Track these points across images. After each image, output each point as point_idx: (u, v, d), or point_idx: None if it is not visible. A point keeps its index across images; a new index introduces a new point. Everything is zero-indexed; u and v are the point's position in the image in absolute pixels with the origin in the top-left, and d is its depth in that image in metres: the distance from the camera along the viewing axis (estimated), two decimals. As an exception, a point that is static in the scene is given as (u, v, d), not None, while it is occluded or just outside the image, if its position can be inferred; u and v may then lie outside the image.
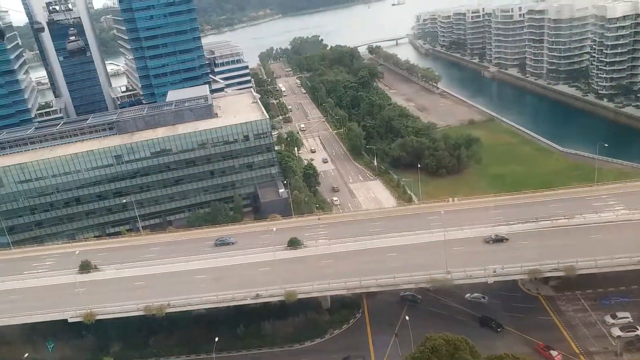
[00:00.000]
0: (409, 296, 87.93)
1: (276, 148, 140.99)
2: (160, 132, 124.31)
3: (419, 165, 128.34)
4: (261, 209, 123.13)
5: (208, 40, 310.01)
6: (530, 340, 76.40)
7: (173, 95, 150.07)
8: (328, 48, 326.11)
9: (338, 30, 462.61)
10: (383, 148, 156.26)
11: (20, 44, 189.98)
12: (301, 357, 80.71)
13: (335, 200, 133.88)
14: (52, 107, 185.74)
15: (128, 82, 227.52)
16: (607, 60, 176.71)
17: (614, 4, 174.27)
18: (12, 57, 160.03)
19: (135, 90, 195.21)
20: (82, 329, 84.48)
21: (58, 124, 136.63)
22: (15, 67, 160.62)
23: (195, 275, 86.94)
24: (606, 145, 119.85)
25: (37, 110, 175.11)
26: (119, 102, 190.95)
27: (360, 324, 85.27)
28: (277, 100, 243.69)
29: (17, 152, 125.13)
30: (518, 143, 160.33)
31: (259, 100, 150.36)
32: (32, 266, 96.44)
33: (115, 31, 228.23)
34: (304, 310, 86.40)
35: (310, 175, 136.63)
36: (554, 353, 72.16)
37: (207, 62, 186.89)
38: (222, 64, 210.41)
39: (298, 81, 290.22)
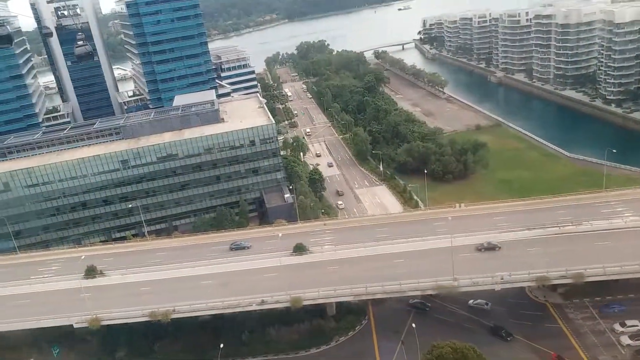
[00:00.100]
0: (418, 303, 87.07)
1: (282, 153, 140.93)
2: (167, 137, 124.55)
3: (425, 171, 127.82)
4: (267, 214, 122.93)
5: (215, 45, 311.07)
6: (538, 348, 75.59)
7: (180, 100, 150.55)
8: (334, 53, 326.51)
9: (344, 35, 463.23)
10: (389, 153, 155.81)
11: (28, 48, 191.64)
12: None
13: (340, 204, 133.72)
14: (59, 111, 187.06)
15: (135, 87, 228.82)
16: (615, 65, 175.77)
17: (622, 9, 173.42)
18: (21, 61, 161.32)
19: (142, 95, 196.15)
20: (87, 334, 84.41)
21: (65, 129, 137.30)
22: (24, 71, 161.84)
23: (201, 280, 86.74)
24: (614, 150, 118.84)
25: (44, 114, 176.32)
26: (125, 107, 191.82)
27: (366, 331, 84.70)
28: (283, 105, 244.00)
29: (25, 156, 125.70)
30: (525, 148, 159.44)
31: (265, 105, 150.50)
32: (38, 271, 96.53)
33: (122, 36, 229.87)
34: (310, 316, 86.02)
35: (315, 180, 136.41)
36: None
37: (213, 67, 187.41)
38: (229, 69, 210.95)
39: (304, 86, 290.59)
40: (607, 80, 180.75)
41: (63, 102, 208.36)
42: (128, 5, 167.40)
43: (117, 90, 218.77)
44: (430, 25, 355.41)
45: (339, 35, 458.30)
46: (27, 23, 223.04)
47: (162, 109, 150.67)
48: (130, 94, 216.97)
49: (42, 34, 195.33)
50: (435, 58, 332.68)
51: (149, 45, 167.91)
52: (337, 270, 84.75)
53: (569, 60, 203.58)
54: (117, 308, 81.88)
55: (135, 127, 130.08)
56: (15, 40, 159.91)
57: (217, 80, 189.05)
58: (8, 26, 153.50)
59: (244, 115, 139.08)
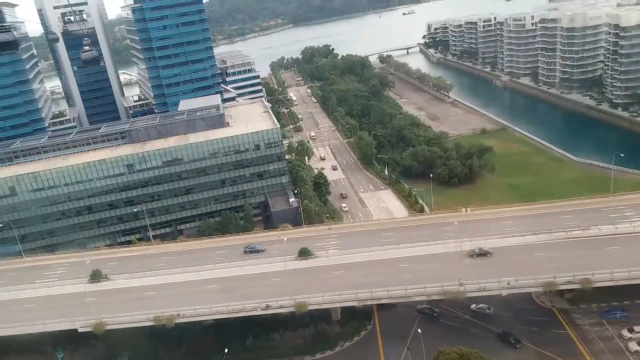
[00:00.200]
0: (426, 309, 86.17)
1: (287, 157, 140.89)
2: (172, 141, 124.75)
3: (430, 175, 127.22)
4: (271, 218, 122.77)
5: (220, 50, 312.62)
6: (545, 354, 74.80)
7: (185, 104, 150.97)
8: (339, 57, 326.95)
9: (349, 39, 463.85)
10: (394, 157, 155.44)
11: (35, 54, 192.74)
12: (311, 369, 79.90)
13: (344, 207, 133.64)
14: (65, 116, 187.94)
15: (140, 92, 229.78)
16: (622, 69, 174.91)
17: (628, 13, 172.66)
18: (27, 67, 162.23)
19: (148, 99, 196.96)
20: (91, 338, 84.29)
21: (71, 133, 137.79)
22: (30, 76, 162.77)
23: (206, 285, 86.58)
24: (622, 155, 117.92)
25: (50, 119, 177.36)
26: (131, 112, 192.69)
27: (372, 336, 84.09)
28: (288, 110, 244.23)
29: (31, 160, 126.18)
30: (531, 152, 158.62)
31: (270, 110, 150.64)
32: (43, 275, 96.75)
33: (128, 41, 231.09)
34: (314, 321, 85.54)
35: (320, 184, 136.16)
36: None
37: (219, 72, 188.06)
38: (234, 74, 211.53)
39: (309, 90, 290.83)
40: (614, 84, 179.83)
41: (69, 106, 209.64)
42: (134, 11, 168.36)
43: (123, 94, 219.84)
44: (435, 29, 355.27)
45: (343, 39, 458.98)
46: (34, 29, 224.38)
47: (168, 114, 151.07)
48: (136, 98, 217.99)
49: (49, 39, 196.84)
50: (440, 62, 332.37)
51: (154, 50, 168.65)
52: (342, 275, 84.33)
53: (575, 64, 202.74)
54: (121, 312, 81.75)
55: (141, 132, 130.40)
56: (22, 46, 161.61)
57: (222, 85, 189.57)
58: (15, 32, 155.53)
59: (249, 119, 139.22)
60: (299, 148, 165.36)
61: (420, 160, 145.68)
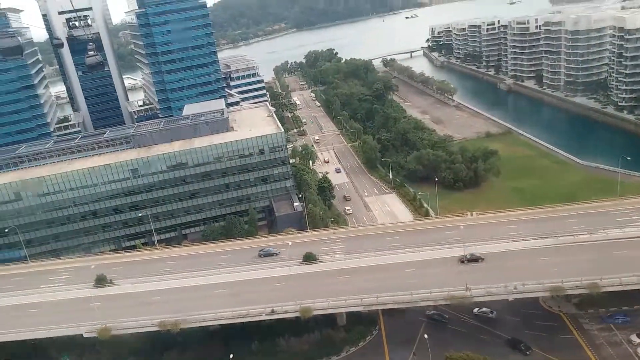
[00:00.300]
0: (435, 315, 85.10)
1: (291, 161, 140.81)
2: (177, 146, 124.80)
3: (436, 179, 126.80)
4: (276, 222, 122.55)
5: (224, 55, 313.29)
6: (552, 360, 74.20)
7: (189, 109, 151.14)
8: (342, 61, 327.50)
9: (352, 43, 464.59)
10: (398, 161, 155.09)
11: (40, 59, 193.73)
12: (317, 374, 79.41)
13: (347, 210, 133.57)
14: (70, 121, 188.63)
15: (145, 96, 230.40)
16: (627, 71, 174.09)
17: (633, 15, 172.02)
18: (32, 72, 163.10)
19: (152, 104, 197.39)
20: (97, 343, 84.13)
21: (76, 138, 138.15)
22: (35, 81, 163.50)
23: (211, 290, 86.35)
24: (629, 158, 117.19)
25: (55, 124, 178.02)
26: (136, 116, 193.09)
27: (377, 342, 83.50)
28: (292, 114, 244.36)
29: (36, 165, 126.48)
30: (536, 156, 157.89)
31: (274, 114, 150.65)
32: (48, 280, 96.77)
33: (132, 46, 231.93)
34: (320, 326, 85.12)
35: (325, 188, 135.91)
36: None
37: (223, 76, 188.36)
38: (238, 78, 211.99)
39: (312, 94, 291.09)
40: (619, 87, 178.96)
41: (74, 111, 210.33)
42: (138, 16, 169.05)
43: (127, 99, 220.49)
44: (439, 33, 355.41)
45: (347, 43, 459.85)
46: (39, 34, 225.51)
47: (172, 118, 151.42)
48: (140, 103, 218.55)
49: (54, 44, 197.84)
50: (443, 65, 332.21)
51: (158, 55, 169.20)
52: (348, 279, 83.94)
53: (580, 66, 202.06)
54: (126, 317, 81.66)
55: (145, 136, 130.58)
56: (27, 51, 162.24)
57: (226, 90, 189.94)
58: (19, 37, 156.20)
59: (253, 123, 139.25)
60: (303, 152, 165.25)
61: (425, 164, 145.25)
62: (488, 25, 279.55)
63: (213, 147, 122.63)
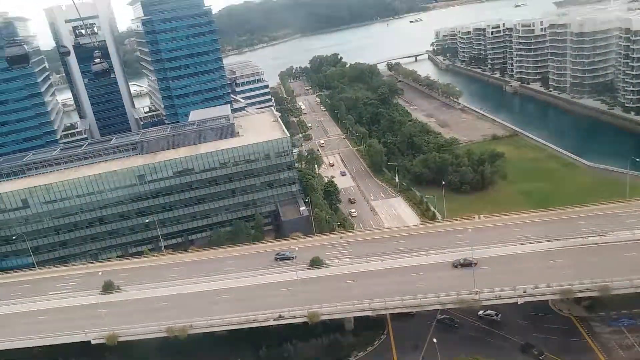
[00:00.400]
0: (447, 320, 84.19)
1: (296, 166, 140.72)
2: (183, 152, 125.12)
3: (443, 182, 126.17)
4: (282, 227, 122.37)
5: (229, 61, 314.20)
6: (563, 364, 73.25)
7: (195, 115, 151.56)
8: (347, 66, 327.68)
9: (357, 48, 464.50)
10: (404, 164, 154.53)
11: (47, 67, 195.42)
12: (325, 380, 78.84)
13: (352, 212, 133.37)
14: (77, 128, 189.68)
15: (151, 103, 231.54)
16: (634, 73, 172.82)
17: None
18: (39, 80, 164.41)
19: (158, 110, 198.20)
20: (104, 349, 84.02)
21: (83, 145, 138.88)
22: (42, 89, 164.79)
23: (218, 295, 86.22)
24: (637, 159, 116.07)
25: (62, 131, 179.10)
26: (142, 123, 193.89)
27: (386, 347, 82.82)
28: (297, 118, 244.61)
29: (43, 173, 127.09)
30: (543, 158, 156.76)
31: (279, 119, 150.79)
32: (56, 287, 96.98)
33: (138, 53, 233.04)
34: (327, 331, 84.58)
35: (331, 192, 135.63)
36: None
37: (228, 82, 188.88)
38: (243, 84, 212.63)
39: (318, 99, 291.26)
40: (626, 88, 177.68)
41: (80, 118, 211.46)
42: (144, 23, 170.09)
43: (134, 106, 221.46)
44: (444, 36, 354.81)
45: (351, 48, 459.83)
46: (46, 42, 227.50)
47: (178, 124, 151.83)
48: (146, 109, 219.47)
49: (60, 52, 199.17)
50: (448, 69, 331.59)
51: (164, 62, 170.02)
52: (355, 284, 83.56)
53: (586, 68, 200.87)
54: (134, 324, 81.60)
55: (152, 143, 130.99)
56: (34, 60, 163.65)
57: (231, 95, 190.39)
58: (26, 45, 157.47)
59: (259, 129, 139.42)
60: (309, 156, 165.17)
61: (431, 167, 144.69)
62: (493, 28, 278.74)
63: (219, 152, 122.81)
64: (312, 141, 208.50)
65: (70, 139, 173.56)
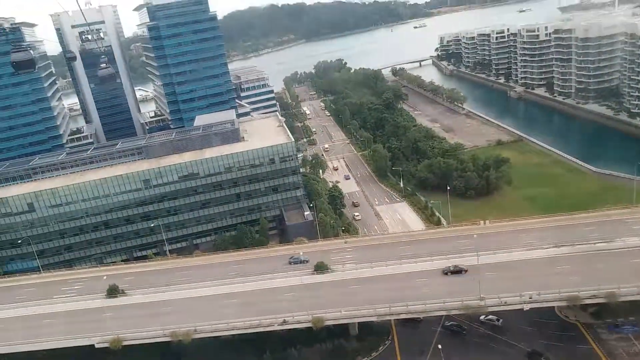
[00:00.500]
0: (454, 326, 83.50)
1: (301, 170, 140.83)
2: (188, 157, 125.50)
3: (448, 187, 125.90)
4: (287, 231, 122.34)
5: (234, 66, 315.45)
6: (570, 371, 72.64)
7: (200, 120, 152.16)
8: (352, 71, 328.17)
9: (361, 53, 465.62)
10: (409, 169, 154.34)
11: (53, 72, 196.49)
12: (329, 385, 78.57)
13: (356, 216, 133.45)
14: (82, 132, 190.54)
15: (156, 108, 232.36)
16: (639, 78, 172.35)
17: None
18: (46, 85, 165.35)
19: (164, 115, 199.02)
20: (108, 353, 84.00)
21: (88, 149, 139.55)
22: (49, 94, 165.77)
23: (222, 300, 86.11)
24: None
25: (68, 135, 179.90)
26: (147, 127, 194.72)
27: (390, 352, 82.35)
28: (302, 123, 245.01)
29: (49, 177, 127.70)
30: (549, 164, 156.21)
31: (284, 124, 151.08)
32: (61, 290, 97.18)
33: (144, 58, 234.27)
34: (331, 336, 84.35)
35: (335, 197, 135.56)
36: None
37: (233, 87, 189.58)
38: (248, 89, 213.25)
39: (322, 104, 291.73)
40: (631, 93, 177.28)
41: (86, 123, 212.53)
42: (150, 29, 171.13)
43: (139, 111, 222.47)
44: (448, 41, 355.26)
45: (356, 53, 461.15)
46: (52, 48, 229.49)
47: (183, 129, 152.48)
48: (152, 114, 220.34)
49: (67, 57, 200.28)
50: (453, 74, 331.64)
51: (170, 67, 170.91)
52: (360, 289, 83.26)
53: (591, 73, 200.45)
54: (138, 328, 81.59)
55: (157, 147, 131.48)
56: (41, 65, 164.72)
57: (236, 100, 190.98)
58: (32, 51, 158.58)
59: (264, 134, 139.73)
60: (314, 161, 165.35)
61: (436, 172, 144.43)
62: (497, 33, 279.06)
63: (224, 157, 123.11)
64: (317, 146, 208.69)
65: (76, 144, 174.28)
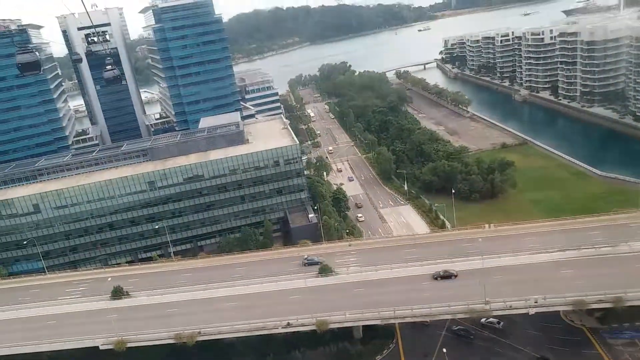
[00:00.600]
0: (461, 331, 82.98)
1: (305, 173, 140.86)
2: (193, 158, 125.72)
3: (453, 191, 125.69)
4: (291, 234, 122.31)
5: (239, 69, 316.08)
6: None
7: (205, 122, 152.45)
8: (356, 74, 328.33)
9: (366, 56, 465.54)
10: (413, 172, 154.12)
11: (59, 74, 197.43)
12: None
13: (359, 217, 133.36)
14: (88, 134, 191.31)
15: (162, 110, 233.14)
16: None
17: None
18: (52, 86, 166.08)
19: (169, 117, 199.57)
20: (113, 355, 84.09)
21: (94, 151, 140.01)
22: (55, 96, 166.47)
23: (226, 302, 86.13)
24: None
25: (74, 137, 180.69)
26: (152, 129, 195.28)
27: (394, 356, 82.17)
28: (306, 126, 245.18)
29: (55, 178, 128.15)
30: (554, 167, 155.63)
31: (288, 126, 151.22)
32: (65, 292, 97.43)
33: (149, 60, 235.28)
34: (335, 339, 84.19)
35: (340, 200, 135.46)
36: None
37: (238, 90, 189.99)
38: (253, 91, 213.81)
39: (327, 107, 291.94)
40: (637, 97, 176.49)
41: (92, 124, 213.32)
42: (155, 31, 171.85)
43: (144, 113, 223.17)
44: (452, 45, 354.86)
45: (360, 56, 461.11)
46: (58, 49, 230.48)
47: (188, 131, 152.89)
48: (157, 116, 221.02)
49: (73, 59, 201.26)
50: (457, 77, 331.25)
51: (175, 69, 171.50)
52: (364, 292, 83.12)
53: (596, 77, 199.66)
54: (142, 329, 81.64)
55: (162, 149, 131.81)
56: (47, 66, 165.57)
57: (241, 103, 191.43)
58: (38, 52, 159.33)
59: (268, 136, 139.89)
60: (318, 164, 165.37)
61: (441, 175, 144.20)
62: (502, 36, 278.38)
63: (228, 159, 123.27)
64: (321, 148, 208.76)
65: (82, 145, 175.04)
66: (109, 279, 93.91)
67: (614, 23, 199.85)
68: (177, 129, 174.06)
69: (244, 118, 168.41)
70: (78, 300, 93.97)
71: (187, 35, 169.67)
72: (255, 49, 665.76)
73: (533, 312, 75.30)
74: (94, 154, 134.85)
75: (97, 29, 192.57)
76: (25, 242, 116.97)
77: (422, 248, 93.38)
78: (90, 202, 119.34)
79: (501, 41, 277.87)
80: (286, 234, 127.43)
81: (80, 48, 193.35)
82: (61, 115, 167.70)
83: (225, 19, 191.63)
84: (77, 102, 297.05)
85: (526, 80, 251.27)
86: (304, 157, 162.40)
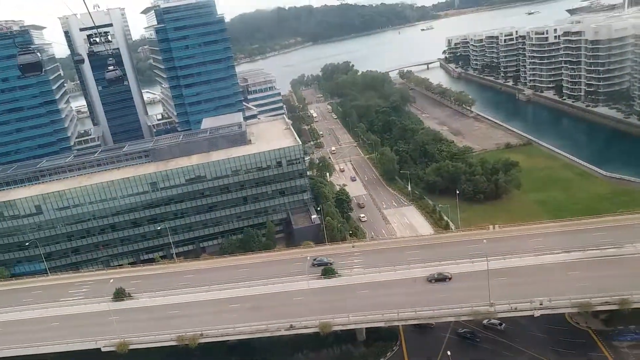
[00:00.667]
0: (467, 334, 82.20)
1: (308, 173, 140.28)
2: (195, 159, 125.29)
3: (457, 191, 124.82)
4: (293, 235, 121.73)
5: (241, 69, 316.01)
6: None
7: (207, 122, 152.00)
8: (359, 74, 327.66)
9: (368, 56, 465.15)
10: (417, 173, 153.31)
11: (61, 74, 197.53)
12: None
13: (362, 217, 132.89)
14: (90, 135, 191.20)
15: (164, 110, 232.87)
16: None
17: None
18: (54, 87, 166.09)
19: (171, 118, 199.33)
20: (115, 357, 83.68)
21: (96, 152, 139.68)
22: (57, 97, 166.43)
23: (229, 304, 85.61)
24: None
25: (76, 138, 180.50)
26: (154, 130, 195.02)
27: (398, 358, 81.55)
28: (309, 126, 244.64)
29: (57, 179, 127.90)
30: (558, 167, 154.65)
31: (291, 127, 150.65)
32: (67, 293, 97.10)
33: (151, 61, 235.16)
34: (338, 342, 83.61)
35: (342, 200, 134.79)
36: None
37: (240, 90, 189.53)
38: (255, 92, 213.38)
39: (329, 107, 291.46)
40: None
41: (94, 125, 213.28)
42: (157, 31, 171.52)
43: (146, 113, 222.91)
44: (456, 44, 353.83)
45: (363, 56, 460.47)
46: (61, 50, 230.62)
47: (190, 132, 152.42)
48: (159, 117, 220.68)
49: (75, 60, 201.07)
50: (461, 77, 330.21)
51: (177, 70, 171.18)
52: (367, 294, 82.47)
53: (601, 76, 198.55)
54: (145, 331, 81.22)
55: (164, 150, 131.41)
56: (49, 67, 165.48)
57: (243, 103, 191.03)
58: (40, 53, 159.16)
59: (271, 136, 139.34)
60: (320, 164, 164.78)
61: (444, 175, 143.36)
62: (506, 35, 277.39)
63: (231, 160, 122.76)
64: (324, 149, 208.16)
65: (84, 146, 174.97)
66: (111, 280, 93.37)
67: (618, 22, 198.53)
68: (179, 129, 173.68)
69: (246, 118, 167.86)
70: (80, 301, 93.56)
71: (189, 35, 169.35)
72: (258, 49, 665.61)
73: (538, 314, 74.57)
74: (96, 155, 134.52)
75: (99, 30, 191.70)
76: (27, 244, 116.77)
77: (426, 249, 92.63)
78: (92, 203, 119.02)
79: (505, 40, 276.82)
80: (289, 235, 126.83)
81: (82, 49, 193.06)
82: (63, 116, 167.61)
83: (227, 19, 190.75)
84: (79, 103, 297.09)
85: (530, 80, 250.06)
86: (307, 158, 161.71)
